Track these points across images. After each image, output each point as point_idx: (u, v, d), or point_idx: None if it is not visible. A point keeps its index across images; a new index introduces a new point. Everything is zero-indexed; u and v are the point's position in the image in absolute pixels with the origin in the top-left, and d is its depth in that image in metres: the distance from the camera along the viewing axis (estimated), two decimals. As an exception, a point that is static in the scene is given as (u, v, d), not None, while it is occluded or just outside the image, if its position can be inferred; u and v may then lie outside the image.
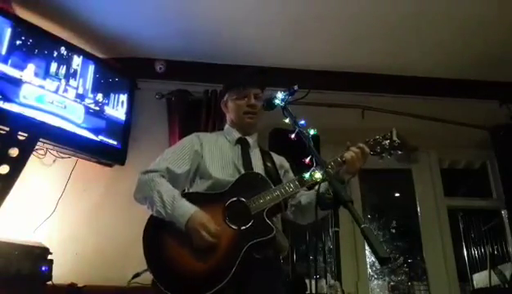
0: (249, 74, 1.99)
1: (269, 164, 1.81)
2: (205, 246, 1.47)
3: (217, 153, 1.77)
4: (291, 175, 1.88)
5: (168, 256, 1.50)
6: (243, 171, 1.70)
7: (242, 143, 1.83)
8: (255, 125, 1.87)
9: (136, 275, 2.51)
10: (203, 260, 1.47)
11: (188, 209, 1.52)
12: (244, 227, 1.52)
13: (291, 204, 1.78)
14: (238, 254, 1.46)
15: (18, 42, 2.60)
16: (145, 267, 1.53)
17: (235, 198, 1.58)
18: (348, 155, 1.61)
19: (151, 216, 1.59)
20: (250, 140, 1.86)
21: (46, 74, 2.70)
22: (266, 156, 1.86)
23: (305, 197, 1.76)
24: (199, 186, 1.71)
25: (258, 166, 1.77)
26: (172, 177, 1.67)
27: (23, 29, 2.64)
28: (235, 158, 1.76)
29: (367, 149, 1.64)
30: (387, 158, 1.71)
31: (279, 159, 1.92)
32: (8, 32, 2.56)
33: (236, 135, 1.85)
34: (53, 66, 2.75)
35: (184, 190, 1.76)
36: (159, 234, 1.55)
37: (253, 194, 1.58)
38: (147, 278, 1.51)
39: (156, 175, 1.64)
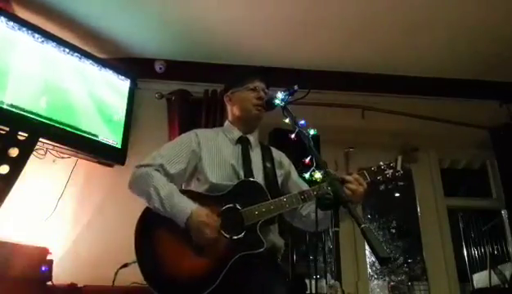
0: (257, 70, 2.00)
1: (268, 165, 1.79)
2: (206, 243, 1.48)
3: (216, 154, 1.74)
4: (293, 175, 1.87)
5: (159, 253, 1.50)
6: (242, 173, 1.69)
7: (243, 142, 1.81)
8: (261, 119, 1.84)
9: (124, 266, 2.52)
10: (192, 262, 1.48)
11: (188, 206, 1.51)
12: (236, 237, 1.52)
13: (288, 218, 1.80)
14: (227, 263, 1.47)
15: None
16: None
17: (231, 205, 1.57)
18: (353, 186, 1.56)
19: (146, 207, 1.58)
20: (251, 138, 1.84)
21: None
22: (266, 155, 1.84)
23: (304, 207, 1.75)
24: (196, 188, 1.70)
25: (257, 167, 1.75)
26: (166, 176, 1.64)
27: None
28: (235, 158, 1.74)
29: (366, 186, 1.60)
30: (385, 188, 1.72)
31: (278, 155, 1.90)
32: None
33: (237, 133, 1.82)
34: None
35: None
36: (152, 229, 1.54)
37: (250, 203, 1.58)
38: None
39: (151, 169, 1.62)
